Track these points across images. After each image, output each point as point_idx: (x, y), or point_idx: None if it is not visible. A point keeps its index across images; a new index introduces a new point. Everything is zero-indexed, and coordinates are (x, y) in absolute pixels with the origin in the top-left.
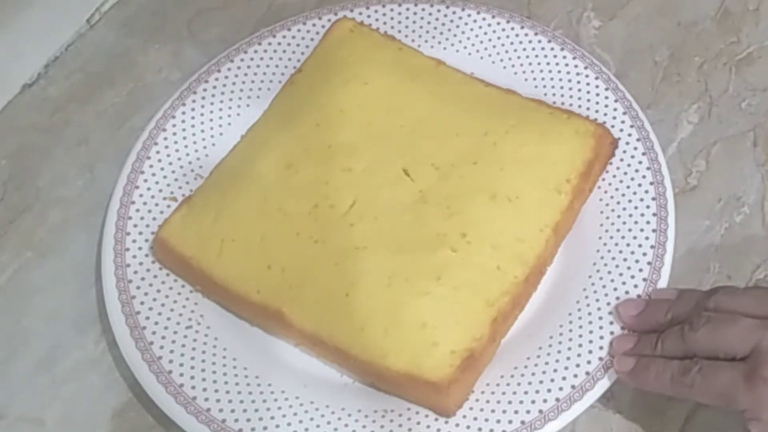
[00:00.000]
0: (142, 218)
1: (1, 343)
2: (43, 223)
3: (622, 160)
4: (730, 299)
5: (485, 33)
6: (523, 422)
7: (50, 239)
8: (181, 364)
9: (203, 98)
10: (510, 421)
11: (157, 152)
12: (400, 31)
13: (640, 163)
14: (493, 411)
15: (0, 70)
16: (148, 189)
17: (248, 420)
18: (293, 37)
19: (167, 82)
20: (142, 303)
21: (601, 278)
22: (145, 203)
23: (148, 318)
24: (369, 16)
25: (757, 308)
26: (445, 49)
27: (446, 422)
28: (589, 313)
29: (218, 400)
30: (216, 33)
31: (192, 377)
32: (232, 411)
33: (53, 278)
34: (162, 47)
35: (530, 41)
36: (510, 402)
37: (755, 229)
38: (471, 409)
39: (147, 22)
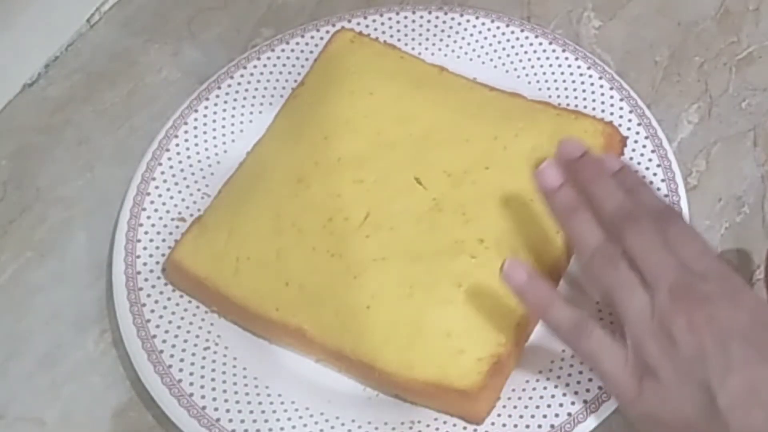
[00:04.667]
0: (151, 240)
1: (1, 343)
2: (43, 223)
3: (631, 158)
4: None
5: (485, 38)
6: (552, 426)
7: (50, 239)
8: (202, 386)
9: (205, 116)
10: (539, 426)
11: (162, 173)
12: (399, 40)
13: (650, 160)
14: (521, 416)
15: (0, 70)
16: (156, 210)
17: None
18: (292, 50)
19: (167, 82)
20: (157, 326)
21: None
22: (153, 225)
23: (164, 341)
24: (367, 26)
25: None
26: (446, 55)
27: (475, 430)
28: (610, 313)
29: (242, 421)
30: (216, 33)
31: (214, 399)
32: (257, 431)
33: (53, 278)
34: (162, 47)
35: (531, 44)
36: (538, 406)
37: (755, 229)
38: (499, 415)
39: (147, 22)
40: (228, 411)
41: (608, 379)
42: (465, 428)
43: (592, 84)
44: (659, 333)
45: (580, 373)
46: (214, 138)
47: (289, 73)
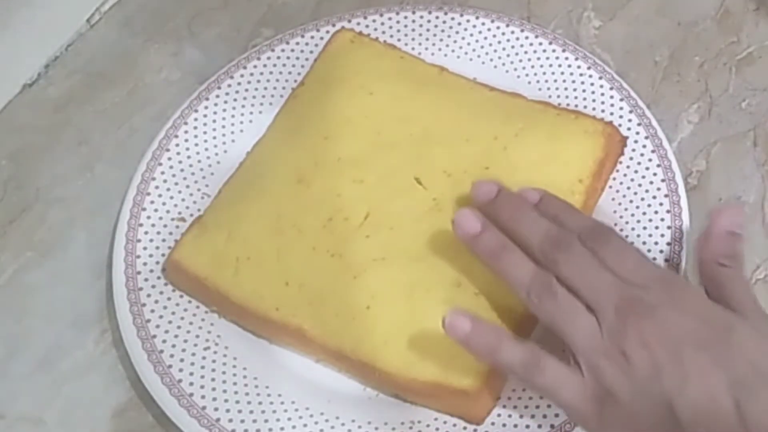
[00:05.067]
0: (151, 240)
1: (1, 342)
2: (43, 223)
3: (631, 158)
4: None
5: (485, 38)
6: (552, 426)
7: (50, 239)
8: (202, 386)
9: (205, 116)
10: (539, 426)
11: (162, 173)
12: (399, 40)
13: (650, 160)
14: (521, 416)
15: (0, 70)
16: (156, 210)
17: None
18: (292, 50)
19: (167, 82)
20: (157, 326)
21: None
22: (153, 225)
23: (164, 341)
24: (367, 26)
25: (618, 265)
26: (446, 55)
27: (475, 430)
28: None
29: (242, 421)
30: (216, 33)
31: (214, 399)
32: (257, 431)
33: (53, 278)
34: (162, 47)
35: (531, 44)
36: (538, 406)
37: (755, 229)
38: (499, 415)
39: (147, 22)
40: (228, 411)
41: (570, 410)
42: (465, 428)
43: (592, 84)
44: (612, 353)
45: None
46: (214, 138)
47: (289, 73)
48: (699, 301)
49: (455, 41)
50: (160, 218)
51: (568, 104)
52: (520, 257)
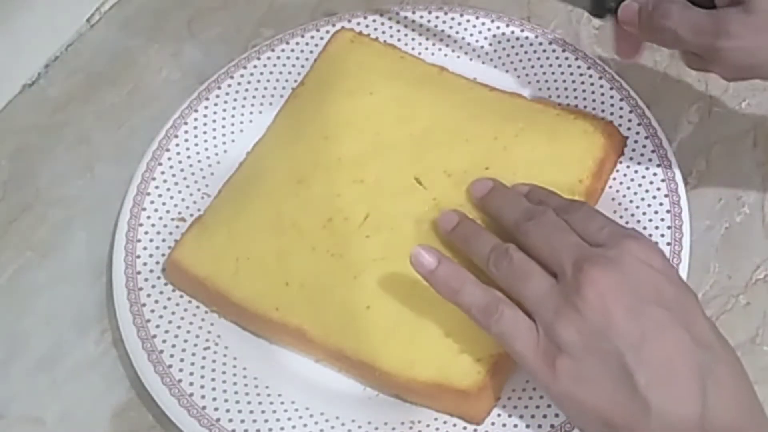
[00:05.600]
0: (151, 240)
1: (1, 343)
2: (43, 223)
3: (631, 158)
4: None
5: (485, 38)
6: (552, 426)
7: (50, 239)
8: (202, 386)
9: (205, 116)
10: (539, 426)
11: (162, 173)
12: (399, 40)
13: (650, 160)
14: (521, 416)
15: (0, 70)
16: (156, 210)
17: None
18: (292, 50)
19: (167, 82)
20: (157, 326)
21: None
22: (153, 225)
23: (164, 341)
24: (367, 26)
25: (584, 228)
26: (446, 55)
27: (475, 430)
28: None
29: (242, 421)
30: (216, 33)
31: (214, 399)
32: (257, 431)
33: (53, 278)
34: (162, 47)
35: (531, 44)
36: (538, 406)
37: (755, 229)
38: (499, 415)
39: (147, 22)
40: (228, 411)
41: (523, 361)
42: (465, 428)
43: (592, 84)
44: (565, 308)
45: None
46: (214, 138)
47: (289, 73)
48: (666, 262)
49: (455, 41)
50: (160, 218)
51: (568, 104)
52: (487, 237)
